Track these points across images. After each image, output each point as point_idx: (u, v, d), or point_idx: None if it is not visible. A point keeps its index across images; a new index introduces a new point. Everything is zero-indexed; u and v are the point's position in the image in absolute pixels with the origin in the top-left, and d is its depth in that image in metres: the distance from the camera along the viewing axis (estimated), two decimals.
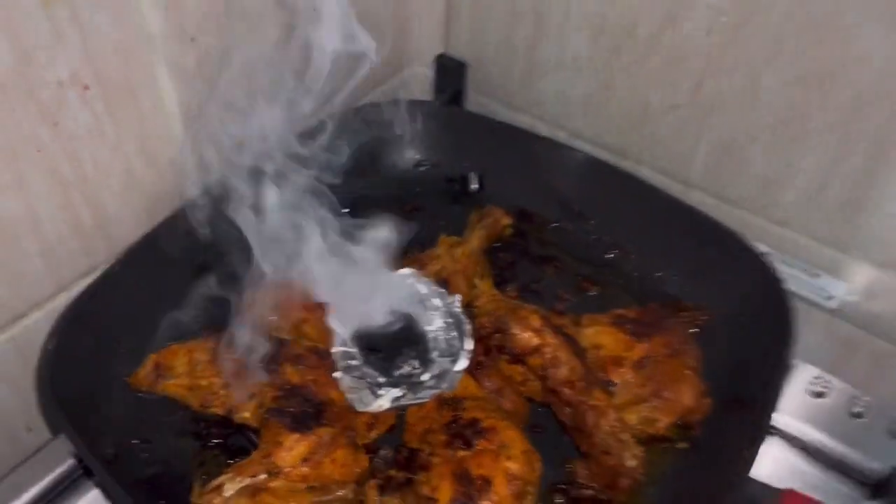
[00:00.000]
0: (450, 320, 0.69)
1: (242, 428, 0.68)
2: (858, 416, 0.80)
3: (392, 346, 0.69)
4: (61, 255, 0.77)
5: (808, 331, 0.90)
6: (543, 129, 1.00)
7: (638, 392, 0.69)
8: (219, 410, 0.67)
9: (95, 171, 0.76)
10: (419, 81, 1.08)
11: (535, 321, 0.67)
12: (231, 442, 0.69)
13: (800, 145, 0.81)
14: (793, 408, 0.80)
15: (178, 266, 0.76)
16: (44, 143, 0.70)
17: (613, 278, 0.85)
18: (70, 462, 0.70)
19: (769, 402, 0.64)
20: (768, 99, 0.81)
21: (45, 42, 0.66)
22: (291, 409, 0.64)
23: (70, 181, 0.74)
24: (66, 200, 0.75)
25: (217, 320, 0.76)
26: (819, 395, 0.82)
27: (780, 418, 0.78)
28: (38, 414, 0.81)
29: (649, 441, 0.70)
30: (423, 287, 0.70)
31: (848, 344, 0.90)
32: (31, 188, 0.71)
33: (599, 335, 0.72)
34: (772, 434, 0.77)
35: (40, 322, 0.77)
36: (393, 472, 0.63)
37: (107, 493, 0.64)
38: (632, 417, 0.69)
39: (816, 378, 0.83)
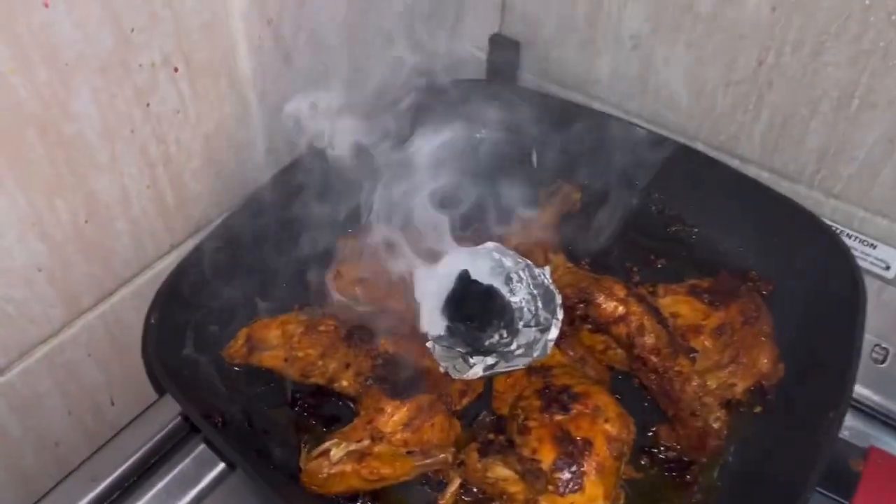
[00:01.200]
0: (535, 291, 0.71)
1: (333, 395, 0.71)
2: None
3: (479, 318, 0.71)
4: (146, 233, 0.79)
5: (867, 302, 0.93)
6: (599, 109, 1.02)
7: (716, 358, 0.72)
8: (319, 380, 0.70)
9: (178, 151, 0.78)
10: (473, 62, 1.09)
11: (620, 291, 0.69)
12: (325, 412, 0.71)
13: (861, 119, 0.83)
14: (860, 375, 0.82)
15: (267, 242, 0.78)
16: (136, 124, 0.72)
17: (678, 251, 0.87)
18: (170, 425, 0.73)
19: (850, 364, 0.67)
20: (831, 73, 0.82)
21: (142, 24, 0.68)
22: (390, 376, 0.66)
23: (156, 161, 0.76)
24: (152, 180, 0.77)
25: (306, 296, 0.79)
26: (880, 361, 0.85)
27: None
28: (121, 387, 0.84)
29: (727, 405, 0.73)
30: (508, 260, 0.72)
31: None
32: (124, 168, 0.73)
33: (677, 304, 0.74)
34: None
35: (126, 299, 0.80)
36: (492, 436, 0.65)
37: (215, 448, 0.67)
38: (711, 382, 0.71)
39: (876, 346, 0.86)
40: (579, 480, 0.60)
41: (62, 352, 0.76)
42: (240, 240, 0.77)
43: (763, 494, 0.64)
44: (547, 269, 0.70)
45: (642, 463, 0.69)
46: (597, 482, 0.61)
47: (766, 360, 0.72)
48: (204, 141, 0.81)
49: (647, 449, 0.70)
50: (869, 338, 0.87)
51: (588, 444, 0.61)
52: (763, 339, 0.73)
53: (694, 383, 0.67)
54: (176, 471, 0.74)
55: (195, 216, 0.83)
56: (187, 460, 0.74)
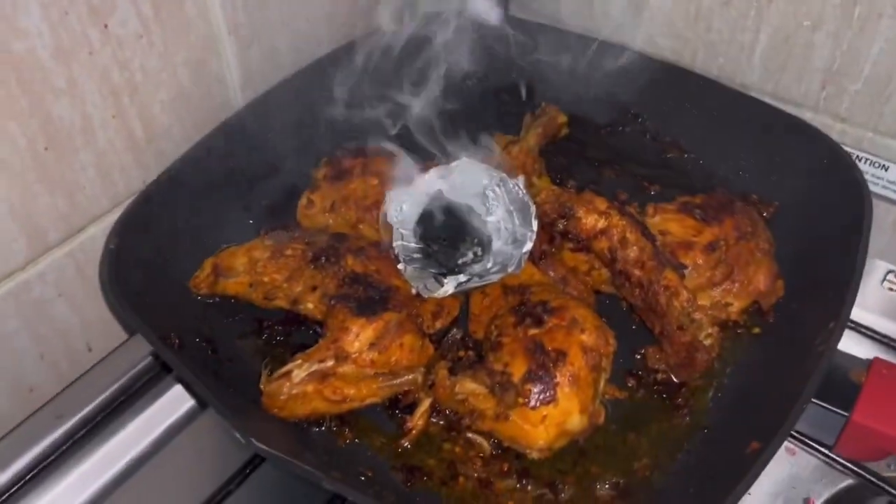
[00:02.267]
0: (511, 207, 0.67)
1: (303, 324, 0.67)
2: None
3: (453, 237, 0.67)
4: (115, 168, 0.76)
5: (878, 228, 0.88)
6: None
7: (709, 275, 0.67)
8: (282, 303, 0.66)
9: (145, 80, 0.75)
10: None
11: (601, 204, 0.65)
12: (293, 340, 0.68)
13: (866, 28, 0.78)
14: (869, 302, 0.77)
15: (233, 173, 0.75)
16: (94, 45, 0.70)
17: (674, 177, 0.83)
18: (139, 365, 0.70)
19: (853, 276, 0.62)
20: None
21: None
22: (357, 295, 0.63)
23: (121, 89, 0.74)
24: (118, 110, 0.74)
25: (273, 222, 0.76)
26: (893, 289, 0.79)
27: (856, 312, 0.75)
28: (98, 332, 0.82)
29: (722, 327, 0.68)
30: (482, 176, 0.68)
31: None
32: (85, 94, 0.71)
33: (666, 222, 0.70)
34: (849, 327, 0.74)
35: (97, 237, 0.77)
36: (462, 353, 0.61)
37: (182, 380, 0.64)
38: (704, 301, 0.67)
39: (890, 272, 0.80)
40: (551, 391, 0.56)
41: (28, 289, 0.74)
42: (208, 168, 0.74)
43: (756, 412, 0.60)
44: (521, 179, 0.66)
45: (629, 385, 0.65)
46: (571, 394, 0.57)
47: (762, 278, 0.67)
48: (172, 70, 0.78)
49: (634, 372, 0.65)
50: (882, 264, 0.82)
51: (562, 354, 0.57)
52: (760, 255, 0.68)
53: (682, 297, 0.63)
54: (146, 411, 0.71)
55: (167, 151, 0.80)
56: (157, 401, 0.71)
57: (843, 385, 0.60)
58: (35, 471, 0.67)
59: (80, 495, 0.66)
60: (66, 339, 0.80)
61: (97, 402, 0.72)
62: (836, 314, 0.60)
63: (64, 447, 0.69)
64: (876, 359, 0.61)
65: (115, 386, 0.73)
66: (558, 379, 0.56)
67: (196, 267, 0.71)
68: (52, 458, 0.68)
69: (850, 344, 0.72)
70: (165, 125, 0.79)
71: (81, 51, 0.69)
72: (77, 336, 0.81)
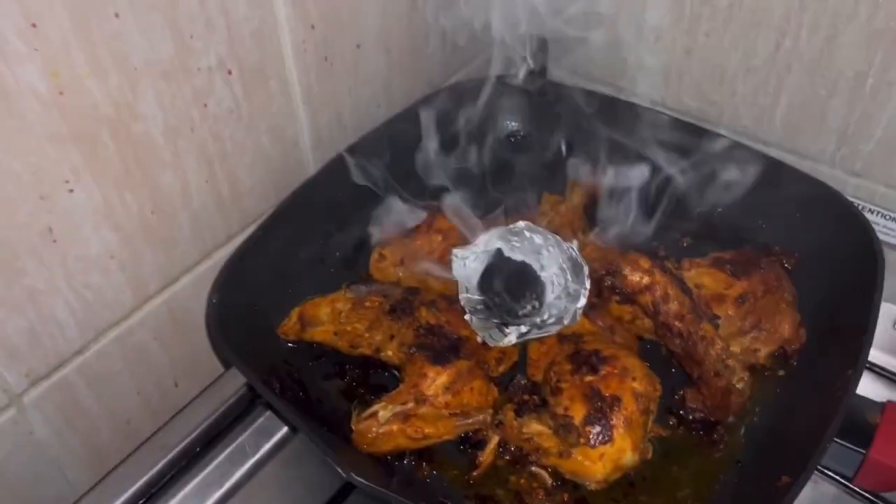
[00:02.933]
0: (565, 266, 0.76)
1: (379, 367, 0.77)
2: None
3: (513, 291, 0.76)
4: (205, 224, 0.86)
5: (891, 273, 0.96)
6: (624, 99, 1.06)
7: (739, 325, 0.76)
8: (366, 350, 0.75)
9: (234, 148, 0.85)
10: (503, 60, 1.15)
11: (645, 262, 0.74)
12: (373, 381, 0.77)
13: (878, 97, 0.86)
14: (881, 343, 0.85)
15: (315, 229, 0.85)
16: (195, 123, 0.79)
17: (705, 232, 0.91)
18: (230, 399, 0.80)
19: (868, 328, 0.70)
20: (846, 54, 0.86)
21: (199, 31, 0.75)
22: (432, 345, 0.72)
23: (214, 157, 0.83)
24: (210, 175, 0.84)
25: (345, 278, 0.85)
26: None
27: (872, 353, 0.84)
28: (184, 370, 0.91)
29: (751, 370, 0.77)
30: (539, 237, 0.77)
31: None
32: (185, 164, 0.80)
33: (700, 276, 0.78)
34: (866, 368, 0.83)
35: (188, 286, 0.87)
36: (527, 397, 0.70)
37: (277, 413, 0.73)
38: (735, 348, 0.76)
39: None
40: (609, 433, 0.65)
41: (131, 335, 0.83)
42: (288, 225, 0.83)
43: (784, 448, 0.68)
44: (575, 243, 0.75)
45: (670, 423, 0.73)
46: (625, 434, 0.65)
47: (787, 326, 0.76)
48: (256, 138, 0.87)
49: (674, 410, 0.74)
50: (894, 309, 0.90)
51: (616, 399, 0.66)
52: (784, 306, 0.76)
53: (717, 346, 0.71)
54: (238, 440, 0.80)
55: (248, 208, 0.90)
56: (248, 431, 0.80)
57: (861, 425, 0.68)
58: (144, 499, 0.77)
59: None
60: (157, 376, 0.90)
61: (195, 433, 0.82)
62: (854, 362, 0.69)
63: (169, 475, 0.78)
64: (889, 402, 0.70)
65: (212, 418, 0.82)
66: (614, 422, 0.65)
67: (284, 316, 0.81)
68: (160, 485, 0.77)
69: (865, 382, 0.81)
70: (248, 185, 0.89)
71: (185, 128, 0.78)
72: (167, 374, 0.90)
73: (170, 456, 0.80)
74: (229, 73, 0.80)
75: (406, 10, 0.97)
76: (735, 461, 0.71)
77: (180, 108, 0.77)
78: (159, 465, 0.80)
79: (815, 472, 0.71)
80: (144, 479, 0.78)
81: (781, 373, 0.77)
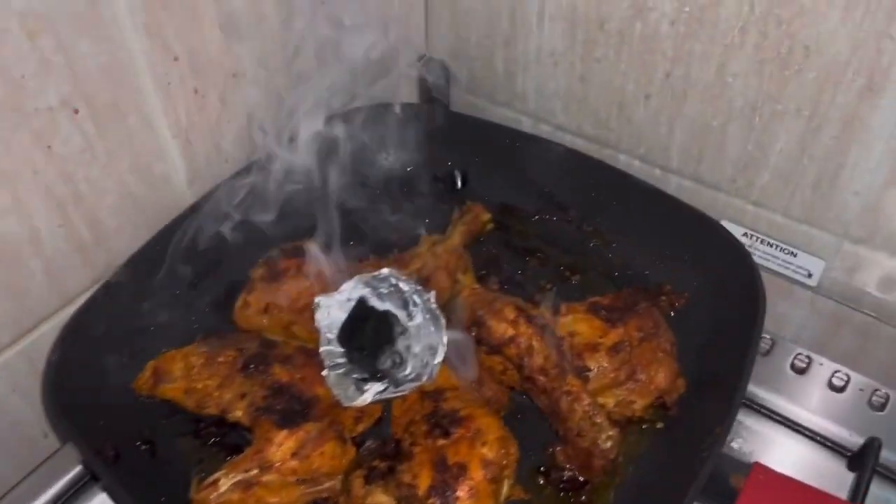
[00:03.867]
0: (428, 316, 0.72)
1: (238, 426, 0.72)
2: (840, 389, 0.82)
3: (376, 343, 0.72)
4: (63, 269, 0.81)
5: (792, 309, 0.93)
6: (527, 123, 1.03)
7: (613, 376, 0.72)
8: (213, 411, 0.71)
9: (90, 189, 0.80)
10: (405, 84, 1.11)
11: (510, 313, 0.70)
12: (228, 440, 0.73)
13: (771, 127, 0.83)
14: (775, 384, 0.82)
15: (173, 275, 0.80)
16: (39, 166, 0.74)
17: (595, 266, 0.88)
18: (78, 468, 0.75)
19: (740, 378, 0.67)
20: (736, 84, 0.82)
21: (33, 71, 0.70)
22: (280, 407, 0.67)
23: (66, 200, 0.78)
24: (63, 219, 0.79)
25: (212, 325, 0.81)
26: (801, 371, 0.84)
27: (761, 394, 0.81)
28: None
29: (627, 423, 0.73)
30: (405, 285, 0.73)
31: (832, 319, 0.92)
32: (30, 209, 0.75)
33: (576, 323, 0.74)
34: (752, 409, 0.79)
35: (48, 335, 0.81)
36: (376, 463, 0.66)
37: (112, 494, 0.68)
38: (608, 401, 0.72)
39: (799, 354, 0.85)
40: None
41: None
42: (150, 270, 0.78)
43: None
44: (433, 294, 0.71)
45: (540, 483, 0.70)
46: None
47: (663, 376, 0.72)
48: (117, 177, 0.83)
49: (543, 469, 0.70)
50: (794, 348, 0.87)
51: (462, 468, 0.62)
52: (661, 354, 0.73)
53: (584, 402, 0.67)
54: None
55: (118, 249, 0.85)
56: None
57: (725, 489, 0.65)
58: None
59: None
60: (22, 430, 0.85)
61: None
62: (723, 418, 0.65)
63: None
64: (756, 464, 0.66)
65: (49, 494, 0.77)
66: (458, 493, 0.61)
67: (140, 370, 0.76)
68: None
69: (752, 423, 0.77)
70: (114, 226, 0.84)
71: (26, 171, 0.73)
72: (32, 425, 0.85)
73: None
74: (76, 112, 0.75)
75: (283, 35, 0.92)
76: None
77: (16, 152, 0.72)
78: None
79: None
80: None
81: (660, 425, 0.73)
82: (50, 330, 0.82)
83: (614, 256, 0.88)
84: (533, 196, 0.93)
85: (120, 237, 0.85)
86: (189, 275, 0.81)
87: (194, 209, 0.85)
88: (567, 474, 0.69)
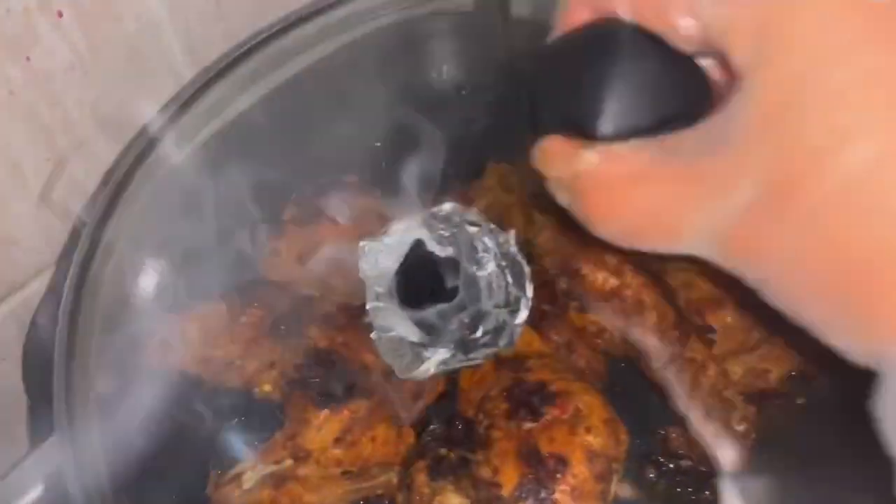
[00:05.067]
0: (504, 263, 0.56)
1: (268, 404, 0.58)
2: None
3: (436, 299, 0.57)
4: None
5: None
6: None
7: (742, 338, 0.56)
8: (235, 384, 0.57)
9: (83, 115, 0.66)
10: None
11: (612, 259, 0.54)
12: (255, 422, 0.58)
13: None
14: None
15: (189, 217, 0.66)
16: (15, 83, 0.60)
17: None
18: None
19: None
20: None
21: None
22: (318, 380, 0.53)
23: (53, 128, 0.64)
24: (51, 151, 0.65)
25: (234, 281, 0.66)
26: None
27: None
28: None
29: (759, 398, 0.57)
30: (471, 224, 0.57)
31: None
32: (7, 138, 0.61)
33: (692, 275, 0.58)
34: None
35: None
36: (444, 452, 0.51)
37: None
38: (736, 370, 0.56)
39: None
40: None
41: None
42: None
43: None
44: (512, 234, 0.56)
45: (649, 476, 0.54)
46: None
47: (809, 336, 0.56)
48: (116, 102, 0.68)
49: (654, 458, 0.55)
50: None
51: (561, 462, 0.47)
52: None
53: (710, 373, 0.52)
54: None
55: None
56: None
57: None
58: None
59: None
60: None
61: None
62: None
63: None
64: None
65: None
66: (556, 496, 0.46)
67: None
68: None
69: None
70: (108, 161, 0.70)
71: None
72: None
73: None
74: (59, 14, 0.60)
75: None
76: None
77: None
78: None
79: None
80: None
81: (801, 401, 0.57)
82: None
83: None
84: None
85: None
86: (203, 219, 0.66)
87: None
88: (685, 464, 0.54)
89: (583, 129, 0.39)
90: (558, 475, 0.47)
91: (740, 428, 0.51)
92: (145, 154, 0.64)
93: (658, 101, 0.39)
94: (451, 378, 0.58)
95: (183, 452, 0.56)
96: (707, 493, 0.53)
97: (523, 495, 0.46)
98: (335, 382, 0.53)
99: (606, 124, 0.39)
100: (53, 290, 0.62)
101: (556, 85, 0.43)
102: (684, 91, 0.40)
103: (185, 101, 0.64)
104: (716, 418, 0.51)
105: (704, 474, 0.54)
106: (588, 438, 0.48)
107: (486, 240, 0.57)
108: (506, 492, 0.47)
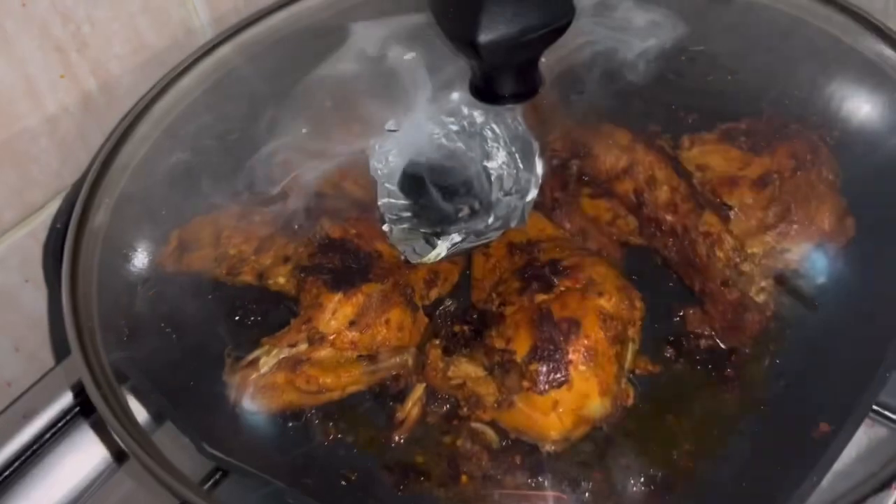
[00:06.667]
0: (512, 148, 0.56)
1: (282, 298, 0.58)
2: None
3: (447, 193, 0.57)
4: (71, 133, 0.68)
5: None
6: None
7: (760, 216, 0.55)
8: (249, 277, 0.57)
9: (94, 33, 0.66)
10: None
11: (623, 137, 0.54)
12: (271, 320, 0.58)
13: None
14: None
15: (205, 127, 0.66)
16: None
17: (715, 104, 0.70)
18: None
19: None
20: None
21: None
22: (331, 265, 0.53)
23: (67, 45, 0.65)
24: (65, 68, 0.65)
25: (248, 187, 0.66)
26: None
27: None
28: None
29: (778, 280, 0.56)
30: (479, 112, 0.57)
31: None
32: (22, 53, 0.62)
33: (706, 155, 0.58)
34: None
35: None
36: (458, 328, 0.51)
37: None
38: (755, 250, 0.55)
39: None
40: (563, 371, 0.46)
41: None
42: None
43: (824, 383, 0.48)
44: (518, 112, 0.55)
45: (666, 355, 0.54)
46: (587, 373, 0.46)
47: (827, 215, 0.55)
48: (128, 20, 0.69)
49: (671, 338, 0.54)
50: None
51: (574, 324, 0.46)
52: (823, 187, 0.55)
53: (727, 245, 0.51)
54: None
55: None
56: None
57: None
58: None
59: None
60: (41, 327, 0.73)
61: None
62: None
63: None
64: None
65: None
66: (571, 356, 0.46)
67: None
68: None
69: None
70: (126, 81, 0.70)
71: (12, 2, 0.60)
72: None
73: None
74: None
75: None
76: (757, 405, 0.51)
77: None
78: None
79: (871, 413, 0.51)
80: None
81: (821, 280, 0.56)
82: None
83: (739, 91, 0.70)
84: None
85: (135, 95, 0.71)
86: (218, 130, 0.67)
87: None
88: (705, 342, 0.53)
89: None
90: (572, 336, 0.46)
91: (761, 297, 0.51)
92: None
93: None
94: (464, 269, 0.58)
95: (199, 345, 0.57)
96: (728, 371, 0.52)
97: (538, 357, 0.46)
98: (348, 267, 0.53)
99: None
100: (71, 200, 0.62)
101: None
102: None
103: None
104: (734, 289, 0.50)
105: (725, 352, 0.53)
106: (601, 302, 0.48)
107: (495, 125, 0.56)
108: (520, 357, 0.47)
